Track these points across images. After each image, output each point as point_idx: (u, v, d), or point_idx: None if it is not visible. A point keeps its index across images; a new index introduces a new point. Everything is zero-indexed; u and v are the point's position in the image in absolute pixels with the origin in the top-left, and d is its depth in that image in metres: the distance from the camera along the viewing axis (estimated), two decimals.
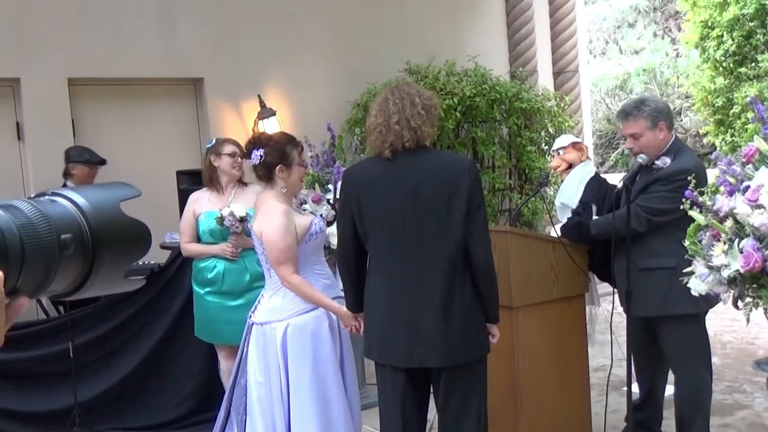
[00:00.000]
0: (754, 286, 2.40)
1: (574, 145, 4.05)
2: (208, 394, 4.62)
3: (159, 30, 6.18)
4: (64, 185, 5.23)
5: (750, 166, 2.48)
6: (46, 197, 0.90)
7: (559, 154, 4.07)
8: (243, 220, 4.04)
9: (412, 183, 2.76)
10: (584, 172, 3.97)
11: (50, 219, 0.84)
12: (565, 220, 3.95)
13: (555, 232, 3.80)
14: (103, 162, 5.34)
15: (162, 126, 6.33)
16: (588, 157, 4.09)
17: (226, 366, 4.21)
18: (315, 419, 3.20)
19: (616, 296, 3.67)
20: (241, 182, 4.28)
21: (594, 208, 3.88)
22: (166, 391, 4.66)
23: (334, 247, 4.19)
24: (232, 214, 4.05)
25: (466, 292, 2.79)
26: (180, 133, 6.43)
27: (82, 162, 5.23)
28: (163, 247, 5.38)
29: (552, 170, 4.24)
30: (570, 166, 4.04)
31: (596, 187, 3.93)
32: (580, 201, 3.90)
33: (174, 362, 4.69)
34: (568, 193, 4.01)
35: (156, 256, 5.26)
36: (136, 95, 6.24)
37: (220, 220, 4.07)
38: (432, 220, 2.74)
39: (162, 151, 6.18)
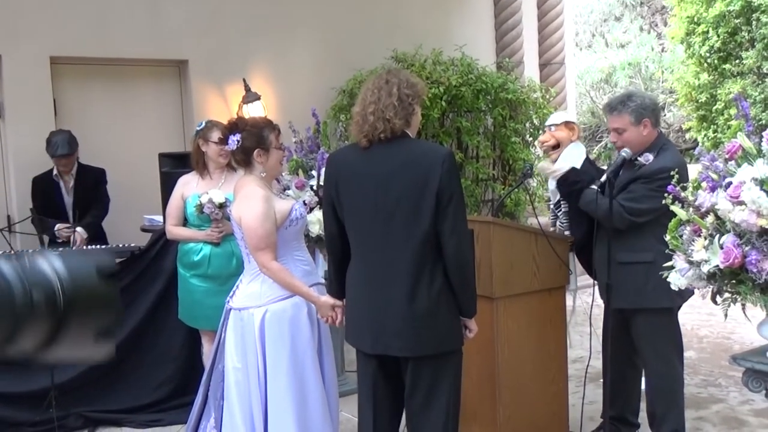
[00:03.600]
0: (733, 281, 2.43)
1: (566, 124, 4.01)
2: (188, 378, 4.60)
3: (144, 10, 6.10)
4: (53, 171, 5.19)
5: (732, 162, 2.50)
6: (27, 258, 0.93)
7: (550, 130, 4.04)
8: (222, 206, 4.03)
9: (384, 173, 2.75)
10: (575, 153, 3.93)
11: (25, 279, 0.88)
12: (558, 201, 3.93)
13: (538, 222, 3.78)
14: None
15: (145, 108, 6.27)
16: (579, 138, 4.05)
17: (209, 350, 4.19)
18: (292, 405, 3.19)
19: (596, 288, 3.70)
20: (230, 167, 4.26)
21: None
22: (145, 375, 4.64)
23: (313, 235, 4.19)
24: (210, 201, 4.03)
25: (435, 285, 2.74)
26: (163, 116, 6.37)
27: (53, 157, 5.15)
28: (144, 230, 5.34)
29: (540, 144, 4.19)
30: (558, 145, 4.00)
31: (593, 168, 3.91)
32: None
33: (153, 345, 4.67)
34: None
35: (136, 239, 5.22)
36: (120, 76, 6.17)
37: (200, 208, 4.06)
38: (401, 211, 2.72)
39: (145, 133, 6.13)
